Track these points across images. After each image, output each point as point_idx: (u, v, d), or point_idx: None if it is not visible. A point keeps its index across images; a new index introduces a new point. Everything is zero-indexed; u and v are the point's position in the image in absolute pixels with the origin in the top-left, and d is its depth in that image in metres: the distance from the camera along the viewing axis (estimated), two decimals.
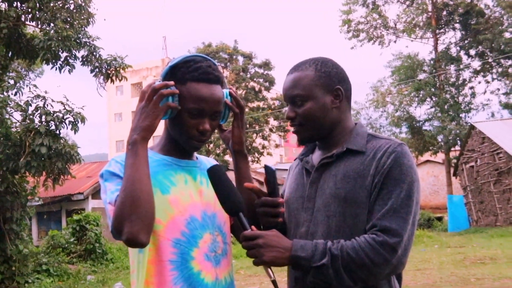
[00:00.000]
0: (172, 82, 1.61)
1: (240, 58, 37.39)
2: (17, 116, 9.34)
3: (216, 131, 1.80)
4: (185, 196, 1.68)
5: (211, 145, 31.54)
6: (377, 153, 1.65)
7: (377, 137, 1.73)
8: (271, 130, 38.01)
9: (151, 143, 1.65)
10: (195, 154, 1.82)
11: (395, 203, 1.57)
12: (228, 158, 27.50)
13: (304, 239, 1.67)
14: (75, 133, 8.81)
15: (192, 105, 1.63)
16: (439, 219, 24.26)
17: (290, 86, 1.75)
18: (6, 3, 9.41)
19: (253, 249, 1.55)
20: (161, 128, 1.65)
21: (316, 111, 1.71)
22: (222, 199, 1.60)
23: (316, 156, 1.80)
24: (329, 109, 1.72)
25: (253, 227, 1.59)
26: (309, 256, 1.55)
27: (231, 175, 1.65)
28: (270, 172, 1.73)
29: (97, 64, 9.76)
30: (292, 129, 1.80)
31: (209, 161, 1.86)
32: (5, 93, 8.96)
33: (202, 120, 1.66)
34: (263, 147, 37.41)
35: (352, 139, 1.72)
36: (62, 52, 9.34)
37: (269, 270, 1.56)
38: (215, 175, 1.62)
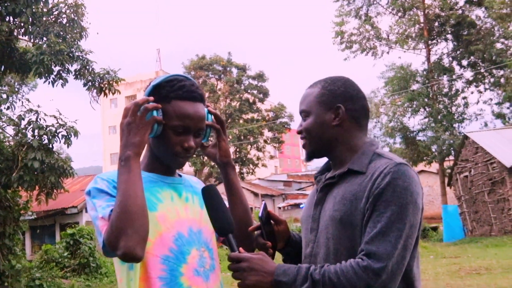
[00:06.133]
0: (152, 98, 1.63)
1: (234, 70, 37.55)
2: (10, 130, 9.33)
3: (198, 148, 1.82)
4: (172, 213, 1.68)
5: (206, 158, 31.46)
6: (374, 173, 1.62)
7: (382, 156, 1.68)
8: (265, 141, 38.04)
9: None
10: (178, 171, 1.84)
11: (384, 227, 1.54)
12: None
13: (308, 260, 1.71)
14: (68, 147, 8.81)
15: (177, 122, 1.65)
16: (434, 229, 24.23)
17: (300, 102, 1.85)
18: None
19: (238, 272, 1.57)
20: None
21: (314, 126, 1.76)
22: (214, 220, 1.62)
23: (329, 176, 1.81)
24: (328, 126, 1.75)
25: (241, 249, 1.60)
26: (291, 281, 1.56)
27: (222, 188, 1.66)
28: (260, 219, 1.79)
29: (90, 78, 9.76)
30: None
31: (192, 179, 1.90)
32: None
33: (187, 137, 1.68)
34: (258, 158, 37.42)
35: (356, 159, 1.71)
36: (55, 66, 9.35)
37: None
38: (209, 195, 1.64)
